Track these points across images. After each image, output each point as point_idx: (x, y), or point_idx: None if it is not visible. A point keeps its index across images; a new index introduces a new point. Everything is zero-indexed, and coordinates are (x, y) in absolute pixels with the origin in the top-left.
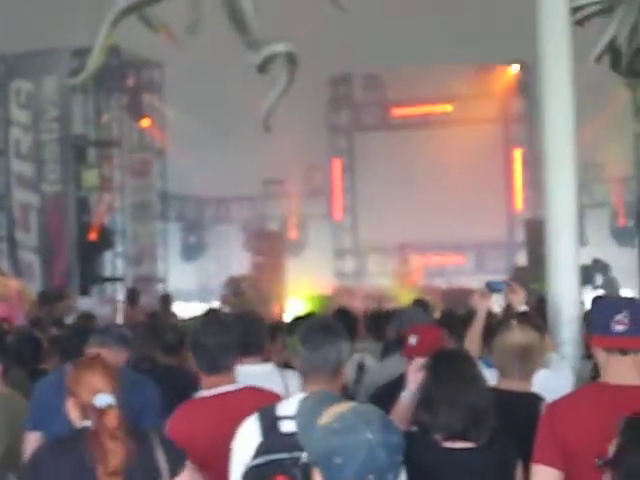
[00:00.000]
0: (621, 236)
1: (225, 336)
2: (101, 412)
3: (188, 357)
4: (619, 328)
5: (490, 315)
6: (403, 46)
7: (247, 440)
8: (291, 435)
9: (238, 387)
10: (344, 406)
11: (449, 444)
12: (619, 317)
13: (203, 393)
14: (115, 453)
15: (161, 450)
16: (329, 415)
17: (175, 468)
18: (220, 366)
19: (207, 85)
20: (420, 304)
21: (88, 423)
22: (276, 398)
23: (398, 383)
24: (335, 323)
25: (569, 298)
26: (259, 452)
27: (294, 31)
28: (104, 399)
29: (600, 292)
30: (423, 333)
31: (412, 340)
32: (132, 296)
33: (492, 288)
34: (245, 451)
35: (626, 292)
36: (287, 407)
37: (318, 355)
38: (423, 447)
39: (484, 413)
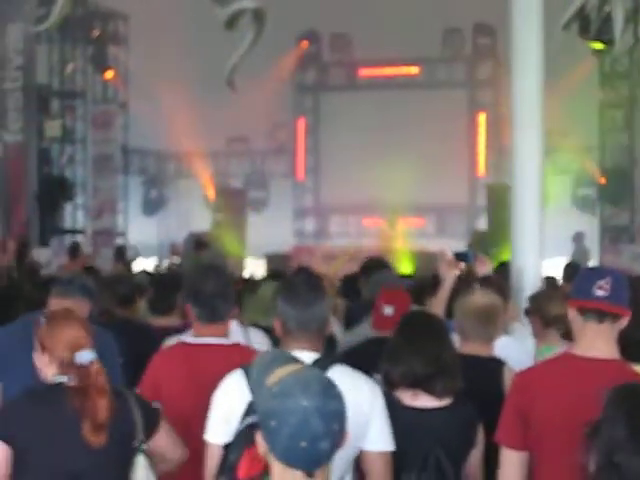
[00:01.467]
0: (582, 204)
1: (225, 284)
2: (85, 369)
3: (140, 309)
4: (600, 293)
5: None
6: (372, 6)
7: (232, 396)
8: None
9: (228, 342)
10: (289, 369)
11: (411, 400)
12: (601, 282)
13: (190, 339)
14: (103, 408)
15: (137, 409)
16: (274, 377)
17: (150, 428)
18: (219, 315)
19: (173, 39)
20: (384, 267)
21: (64, 379)
22: None
23: (367, 348)
24: (316, 279)
25: (532, 263)
26: (250, 411)
27: None
28: (86, 356)
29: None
30: (398, 302)
31: (388, 310)
32: (73, 249)
33: (460, 258)
34: (230, 407)
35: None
36: None
37: (307, 313)
38: None
39: (450, 368)
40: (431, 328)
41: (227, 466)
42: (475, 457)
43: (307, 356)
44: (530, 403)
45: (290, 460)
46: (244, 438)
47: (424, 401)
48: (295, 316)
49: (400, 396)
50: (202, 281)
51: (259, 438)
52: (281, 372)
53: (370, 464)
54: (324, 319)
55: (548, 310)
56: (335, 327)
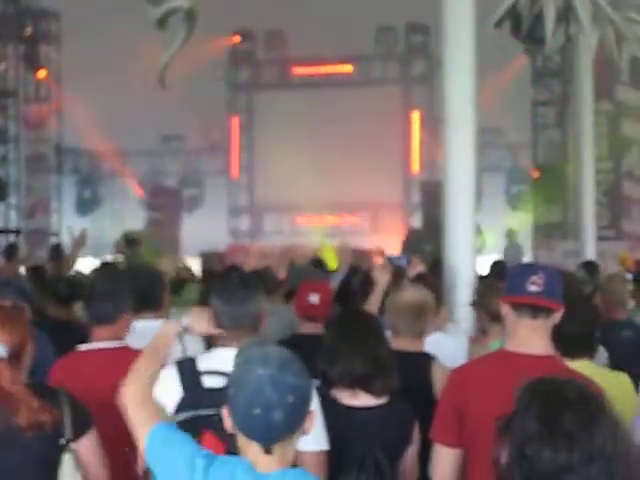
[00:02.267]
0: (515, 201)
1: (114, 285)
2: None
3: (77, 310)
4: (533, 288)
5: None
6: (306, 3)
7: (165, 393)
8: (216, 390)
9: (116, 345)
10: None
11: (349, 399)
12: (534, 278)
13: (82, 347)
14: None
15: (68, 408)
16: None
17: (79, 429)
18: (107, 316)
19: (106, 37)
20: (316, 262)
21: None
22: None
23: (295, 343)
24: (250, 277)
25: (465, 261)
26: (182, 407)
27: None
28: None
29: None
30: (322, 291)
31: (313, 298)
32: (9, 250)
33: (393, 263)
34: (162, 402)
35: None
36: (208, 362)
37: (240, 310)
38: (321, 406)
39: (387, 366)
40: (368, 327)
41: None
42: (411, 453)
43: None
44: (465, 400)
45: (246, 428)
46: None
47: (363, 400)
48: (228, 312)
49: (337, 395)
50: (91, 283)
51: (225, 413)
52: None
53: (303, 464)
54: (257, 316)
55: (494, 305)
56: None
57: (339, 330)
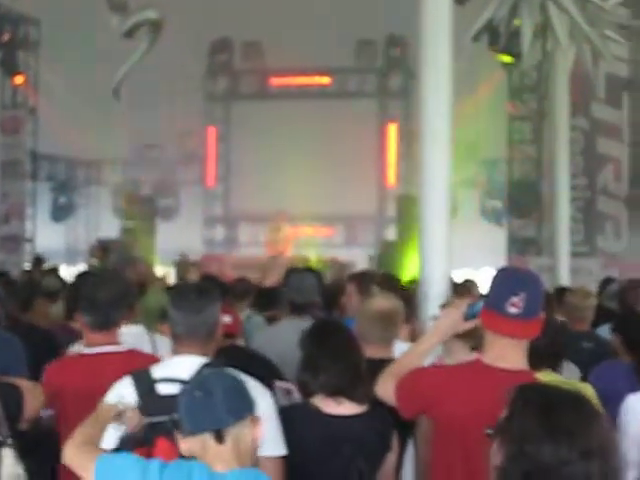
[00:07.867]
0: (490, 216)
1: (116, 293)
2: None
3: (52, 313)
4: (513, 310)
5: None
6: (285, 15)
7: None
8: (170, 397)
9: (123, 349)
10: None
11: (332, 408)
12: (515, 300)
13: (86, 350)
14: None
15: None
16: None
17: (17, 412)
18: (109, 323)
19: (85, 45)
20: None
21: None
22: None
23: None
24: (207, 285)
25: (440, 274)
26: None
27: None
28: None
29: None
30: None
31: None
32: None
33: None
34: None
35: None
36: (163, 370)
37: (195, 318)
38: (303, 417)
39: (365, 374)
40: (346, 337)
41: None
42: (390, 461)
43: (195, 360)
44: (437, 399)
45: (191, 417)
46: (133, 441)
47: (346, 408)
48: (183, 321)
49: (320, 404)
50: (94, 289)
51: (177, 436)
52: None
53: (262, 469)
54: (213, 324)
55: None
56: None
57: (318, 341)
